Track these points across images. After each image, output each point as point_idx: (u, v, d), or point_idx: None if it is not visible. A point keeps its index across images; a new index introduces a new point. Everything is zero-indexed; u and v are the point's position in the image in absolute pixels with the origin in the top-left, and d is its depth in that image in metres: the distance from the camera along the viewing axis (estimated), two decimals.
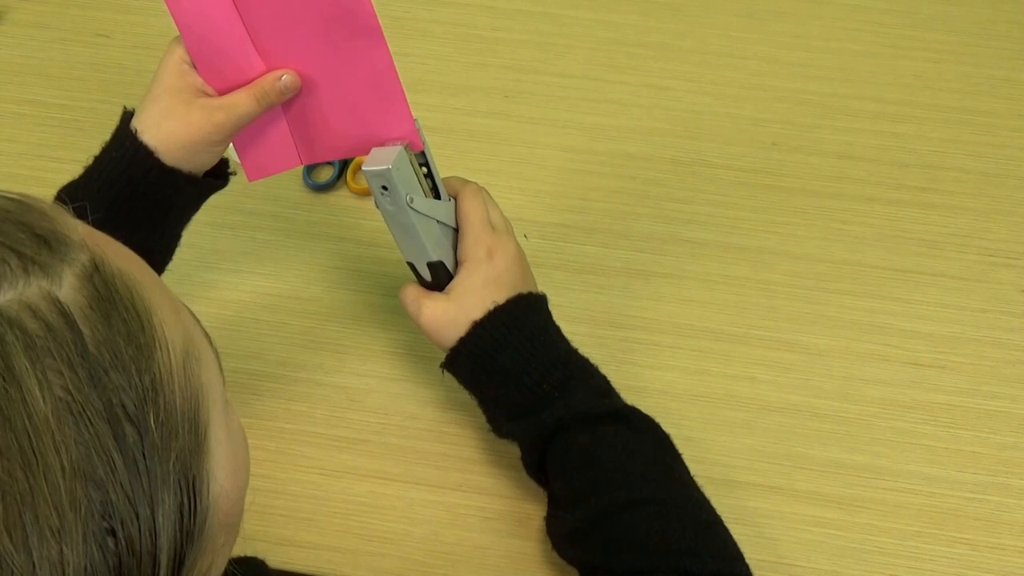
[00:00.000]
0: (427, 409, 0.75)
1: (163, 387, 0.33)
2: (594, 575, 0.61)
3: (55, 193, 0.66)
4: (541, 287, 0.70)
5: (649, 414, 0.65)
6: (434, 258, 0.66)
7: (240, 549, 0.68)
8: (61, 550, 0.29)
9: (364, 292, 0.82)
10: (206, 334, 0.38)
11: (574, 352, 0.67)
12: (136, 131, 0.63)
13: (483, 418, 0.69)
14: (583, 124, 0.94)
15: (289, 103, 0.66)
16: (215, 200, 0.71)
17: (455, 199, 0.67)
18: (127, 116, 0.65)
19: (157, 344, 0.33)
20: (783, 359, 0.79)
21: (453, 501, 0.71)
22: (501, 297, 0.65)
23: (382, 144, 0.65)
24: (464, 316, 0.65)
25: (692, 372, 0.78)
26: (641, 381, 0.76)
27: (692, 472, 0.64)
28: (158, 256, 0.70)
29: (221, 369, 0.38)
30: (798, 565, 0.69)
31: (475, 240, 0.66)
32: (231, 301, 0.81)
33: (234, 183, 0.72)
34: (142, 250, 0.70)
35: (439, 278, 0.67)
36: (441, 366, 0.67)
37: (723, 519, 0.62)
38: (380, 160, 0.62)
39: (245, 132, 0.67)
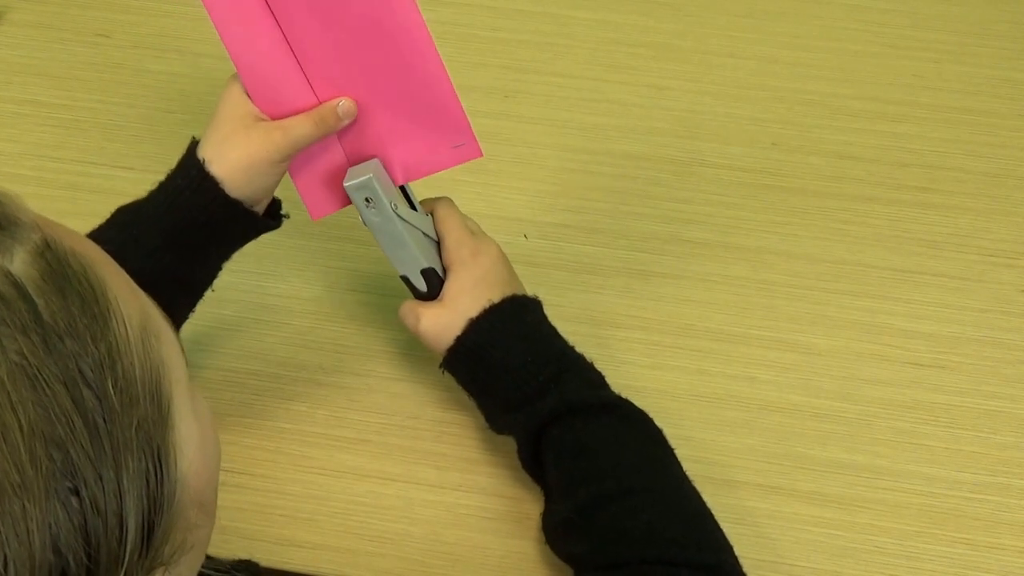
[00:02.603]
0: (427, 409, 0.75)
1: (120, 356, 0.33)
2: (583, 569, 0.61)
3: (115, 207, 0.67)
4: (541, 287, 0.71)
5: (644, 410, 0.66)
6: (426, 265, 0.67)
7: (240, 549, 0.68)
8: (24, 506, 0.29)
9: (364, 292, 0.82)
10: (167, 319, 0.38)
11: (569, 348, 0.68)
12: (204, 161, 0.64)
13: (483, 418, 0.69)
14: (583, 124, 0.94)
15: (346, 135, 0.67)
16: None
17: (431, 213, 0.69)
18: (193, 145, 0.66)
19: (112, 315, 0.33)
20: (783, 359, 0.79)
21: (453, 501, 0.71)
22: (495, 296, 0.67)
23: (439, 158, 0.66)
24: (460, 316, 0.66)
25: (692, 372, 0.78)
26: (641, 381, 0.76)
27: (692, 472, 0.64)
28: (200, 286, 0.71)
29: (183, 351, 0.38)
30: (798, 565, 0.69)
31: (457, 244, 0.68)
32: (231, 301, 0.81)
33: None
34: (188, 279, 0.71)
35: (433, 286, 0.68)
36: (440, 366, 0.68)
37: (723, 519, 0.62)
38: (359, 174, 0.64)
39: (306, 170, 0.68)
